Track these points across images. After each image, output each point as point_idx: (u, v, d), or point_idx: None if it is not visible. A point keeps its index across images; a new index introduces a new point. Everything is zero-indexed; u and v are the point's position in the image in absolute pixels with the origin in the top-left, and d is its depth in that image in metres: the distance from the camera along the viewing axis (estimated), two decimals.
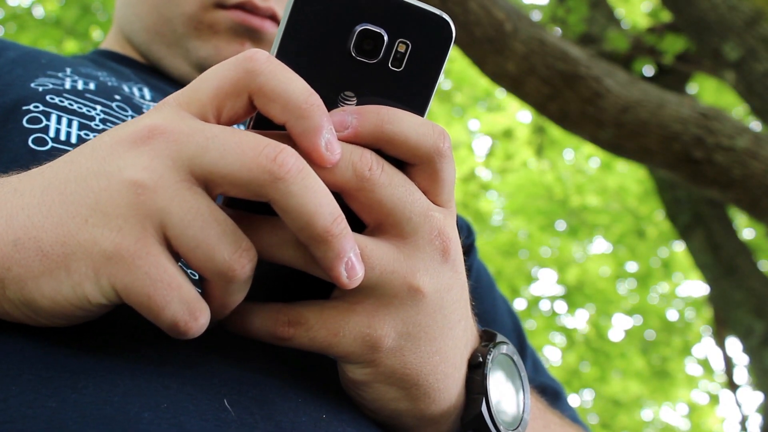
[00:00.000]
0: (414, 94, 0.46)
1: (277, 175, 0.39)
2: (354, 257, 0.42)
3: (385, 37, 0.44)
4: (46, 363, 0.42)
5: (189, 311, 0.40)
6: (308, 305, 0.46)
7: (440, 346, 0.48)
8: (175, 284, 0.39)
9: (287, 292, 0.48)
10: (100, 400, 0.40)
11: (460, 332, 0.50)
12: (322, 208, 0.40)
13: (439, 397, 0.49)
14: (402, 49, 0.45)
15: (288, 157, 0.39)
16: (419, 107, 0.47)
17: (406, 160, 0.46)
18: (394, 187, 0.45)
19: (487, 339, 0.55)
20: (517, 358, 0.56)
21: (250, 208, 0.45)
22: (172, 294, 0.39)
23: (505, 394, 0.54)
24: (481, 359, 0.52)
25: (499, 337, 0.55)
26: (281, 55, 0.44)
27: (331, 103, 0.45)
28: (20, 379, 0.41)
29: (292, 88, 0.41)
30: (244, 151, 0.39)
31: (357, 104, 0.45)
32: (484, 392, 0.51)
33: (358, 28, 0.44)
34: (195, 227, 0.39)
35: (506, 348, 0.55)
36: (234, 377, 0.45)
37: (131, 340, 0.45)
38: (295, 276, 0.46)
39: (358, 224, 0.46)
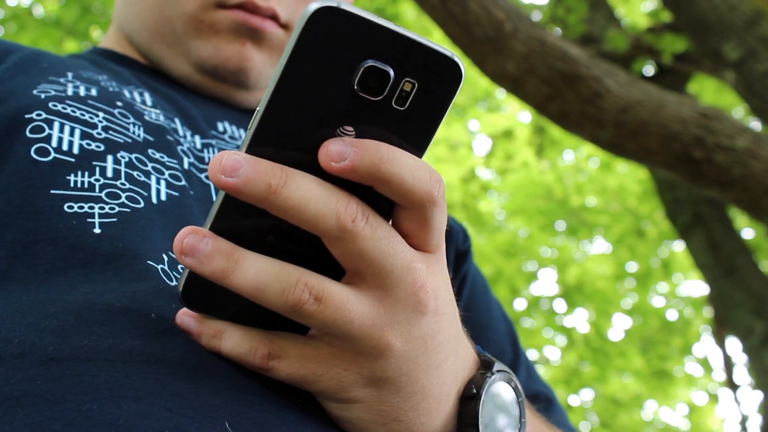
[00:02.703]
0: (415, 133, 0.45)
1: None
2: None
3: (392, 75, 0.42)
4: (51, 385, 0.42)
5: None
6: (289, 340, 0.47)
7: (424, 384, 0.48)
8: None
9: (267, 315, 0.47)
10: (104, 423, 0.40)
11: (448, 368, 0.50)
12: None
13: (421, 429, 0.50)
14: (408, 88, 0.43)
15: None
16: (418, 147, 0.45)
17: (397, 202, 0.45)
18: (376, 239, 0.44)
19: (484, 367, 0.54)
20: (514, 384, 0.56)
21: (238, 236, 0.45)
22: None
23: (499, 422, 0.54)
24: (474, 390, 0.52)
25: (497, 365, 0.55)
26: (282, 82, 0.42)
27: (329, 136, 0.43)
28: (25, 401, 0.41)
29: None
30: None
31: (356, 137, 0.44)
32: (474, 424, 0.51)
33: (365, 65, 0.42)
34: None
35: (502, 376, 0.55)
36: (235, 398, 0.45)
37: (135, 362, 0.45)
38: None
39: (336, 269, 0.45)
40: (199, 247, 0.44)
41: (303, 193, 0.42)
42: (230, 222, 0.45)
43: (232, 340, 0.47)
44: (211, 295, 0.47)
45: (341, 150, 0.43)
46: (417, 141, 0.45)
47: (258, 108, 0.43)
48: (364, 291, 0.45)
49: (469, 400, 0.52)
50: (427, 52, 0.43)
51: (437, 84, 0.43)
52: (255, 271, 0.44)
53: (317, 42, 0.41)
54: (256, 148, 0.43)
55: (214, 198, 0.66)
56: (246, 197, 0.42)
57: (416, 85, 0.43)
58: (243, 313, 0.47)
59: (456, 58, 0.43)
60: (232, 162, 0.42)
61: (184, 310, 0.49)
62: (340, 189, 0.43)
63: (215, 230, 0.45)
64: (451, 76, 0.44)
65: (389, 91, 0.43)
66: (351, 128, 0.44)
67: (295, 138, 0.43)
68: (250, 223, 0.45)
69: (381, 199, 0.45)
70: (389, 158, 0.43)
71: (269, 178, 0.42)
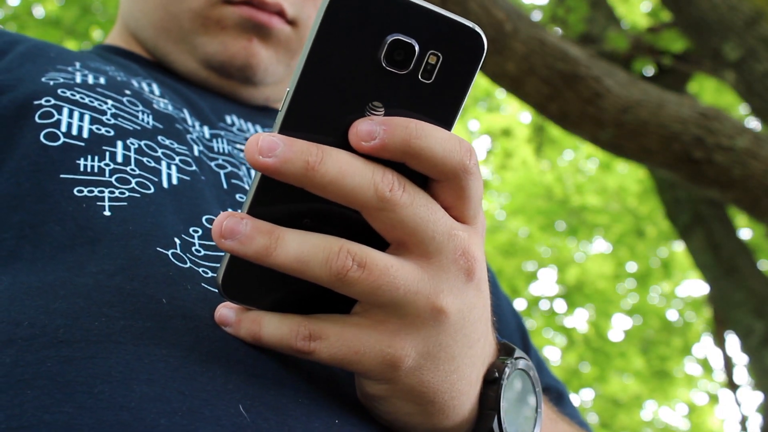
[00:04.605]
0: (442, 106, 0.45)
1: None
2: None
3: (417, 48, 0.43)
4: (61, 367, 0.42)
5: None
6: (329, 320, 0.46)
7: (459, 364, 0.48)
8: None
9: (306, 303, 0.48)
10: (116, 406, 0.40)
11: (479, 350, 0.50)
12: None
13: (454, 412, 0.50)
14: (433, 60, 0.44)
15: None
16: (446, 120, 0.46)
17: (431, 176, 0.45)
18: (416, 207, 0.44)
19: (505, 353, 0.55)
20: (533, 373, 0.56)
21: (276, 220, 0.45)
22: None
23: (517, 410, 0.54)
24: (497, 375, 0.52)
25: (517, 352, 0.55)
26: (310, 62, 0.43)
27: (358, 113, 0.44)
28: (35, 383, 0.41)
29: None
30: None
31: (385, 115, 0.44)
32: (496, 408, 0.51)
33: (390, 38, 0.43)
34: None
35: (523, 363, 0.55)
36: (248, 382, 0.45)
37: (146, 345, 0.45)
38: (316, 288, 0.46)
39: (380, 241, 0.45)
40: (239, 228, 0.44)
41: (339, 168, 0.43)
42: (266, 206, 0.45)
43: (272, 325, 0.47)
44: (251, 284, 0.47)
45: (371, 129, 0.43)
46: (445, 114, 0.46)
47: (288, 89, 0.44)
48: (407, 259, 0.45)
49: (491, 384, 0.52)
50: (449, 24, 0.43)
51: (461, 56, 0.44)
52: (297, 245, 0.44)
53: (342, 19, 0.42)
54: (288, 129, 0.44)
55: (225, 185, 0.66)
56: (284, 177, 0.43)
57: (441, 57, 0.44)
58: (283, 301, 0.48)
59: (478, 29, 0.44)
60: (269, 143, 0.43)
61: (223, 303, 0.49)
62: (374, 162, 0.44)
63: (252, 215, 0.45)
64: (474, 47, 0.44)
65: (415, 65, 0.44)
66: (380, 104, 0.44)
67: (325, 116, 0.44)
68: (287, 206, 0.45)
69: (414, 175, 0.45)
70: (418, 133, 0.43)
71: (306, 156, 0.42)
